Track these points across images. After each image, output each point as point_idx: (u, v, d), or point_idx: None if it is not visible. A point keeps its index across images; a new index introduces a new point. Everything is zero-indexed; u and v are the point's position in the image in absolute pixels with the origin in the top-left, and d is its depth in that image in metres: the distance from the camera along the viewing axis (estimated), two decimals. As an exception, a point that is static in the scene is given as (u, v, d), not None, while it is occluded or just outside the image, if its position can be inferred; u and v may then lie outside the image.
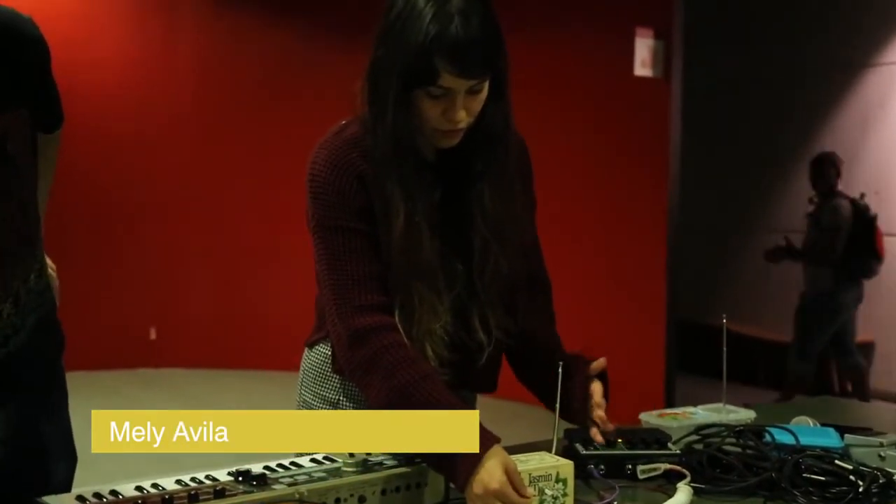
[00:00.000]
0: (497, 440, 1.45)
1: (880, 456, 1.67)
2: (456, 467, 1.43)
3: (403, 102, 1.54)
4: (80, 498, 1.31)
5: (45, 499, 1.30)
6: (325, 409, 1.74)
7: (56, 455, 1.73)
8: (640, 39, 5.87)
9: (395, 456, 1.52)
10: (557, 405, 1.57)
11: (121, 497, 1.32)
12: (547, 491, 1.46)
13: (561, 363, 1.57)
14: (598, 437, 1.67)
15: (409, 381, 1.49)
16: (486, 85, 1.55)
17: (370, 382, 1.52)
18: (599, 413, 1.68)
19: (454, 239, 1.63)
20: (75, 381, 1.85)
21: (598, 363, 1.73)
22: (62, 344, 1.81)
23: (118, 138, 7.34)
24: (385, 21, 1.54)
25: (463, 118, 1.54)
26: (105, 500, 1.31)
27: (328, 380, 1.74)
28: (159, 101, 7.51)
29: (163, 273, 7.52)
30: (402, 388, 1.48)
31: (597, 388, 1.71)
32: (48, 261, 1.83)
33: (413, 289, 1.57)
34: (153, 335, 7.54)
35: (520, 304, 1.73)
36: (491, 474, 1.39)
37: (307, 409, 1.78)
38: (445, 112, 1.53)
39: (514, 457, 1.47)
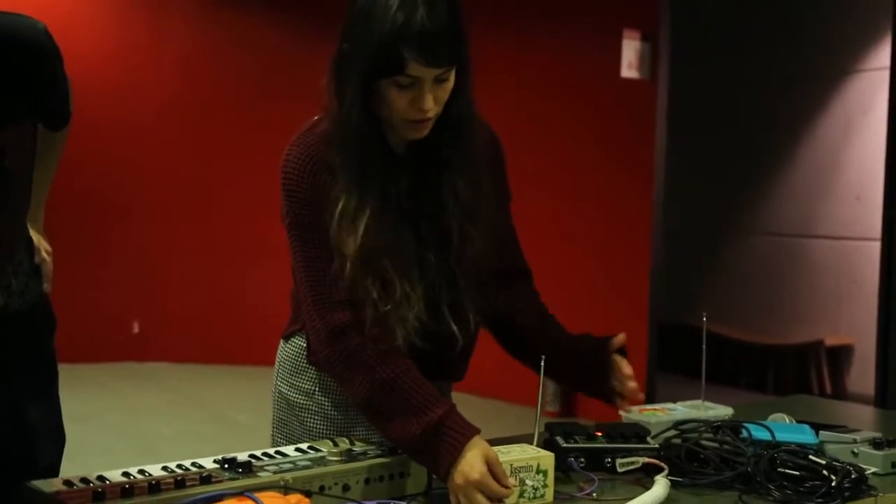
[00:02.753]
0: (477, 431, 1.47)
1: (853, 452, 1.71)
2: (438, 458, 1.45)
3: (369, 95, 1.55)
4: (67, 482, 1.33)
5: (34, 483, 1.32)
6: (300, 399, 1.76)
7: (43, 438, 1.74)
8: (626, 41, 5.90)
9: (378, 446, 1.55)
10: (539, 397, 1.60)
11: (108, 482, 1.34)
12: (527, 482, 1.49)
13: (543, 357, 1.60)
14: (626, 408, 1.77)
15: (390, 376, 1.51)
16: (453, 73, 1.56)
17: (350, 377, 1.55)
18: (632, 385, 1.75)
19: (426, 229, 1.65)
20: (59, 374, 1.86)
21: (620, 338, 1.79)
22: (52, 327, 1.81)
23: (104, 132, 7.32)
24: (350, 14, 1.55)
25: (431, 107, 1.55)
26: (92, 484, 1.33)
27: (304, 371, 1.76)
28: (145, 95, 7.50)
29: (146, 267, 7.51)
30: (384, 382, 1.51)
31: (623, 361, 1.77)
32: (44, 243, 1.82)
33: (385, 275, 1.57)
34: (136, 328, 7.54)
35: (498, 292, 1.75)
36: (472, 465, 1.42)
37: (283, 399, 1.79)
38: (413, 101, 1.54)
39: (495, 448, 1.49)
